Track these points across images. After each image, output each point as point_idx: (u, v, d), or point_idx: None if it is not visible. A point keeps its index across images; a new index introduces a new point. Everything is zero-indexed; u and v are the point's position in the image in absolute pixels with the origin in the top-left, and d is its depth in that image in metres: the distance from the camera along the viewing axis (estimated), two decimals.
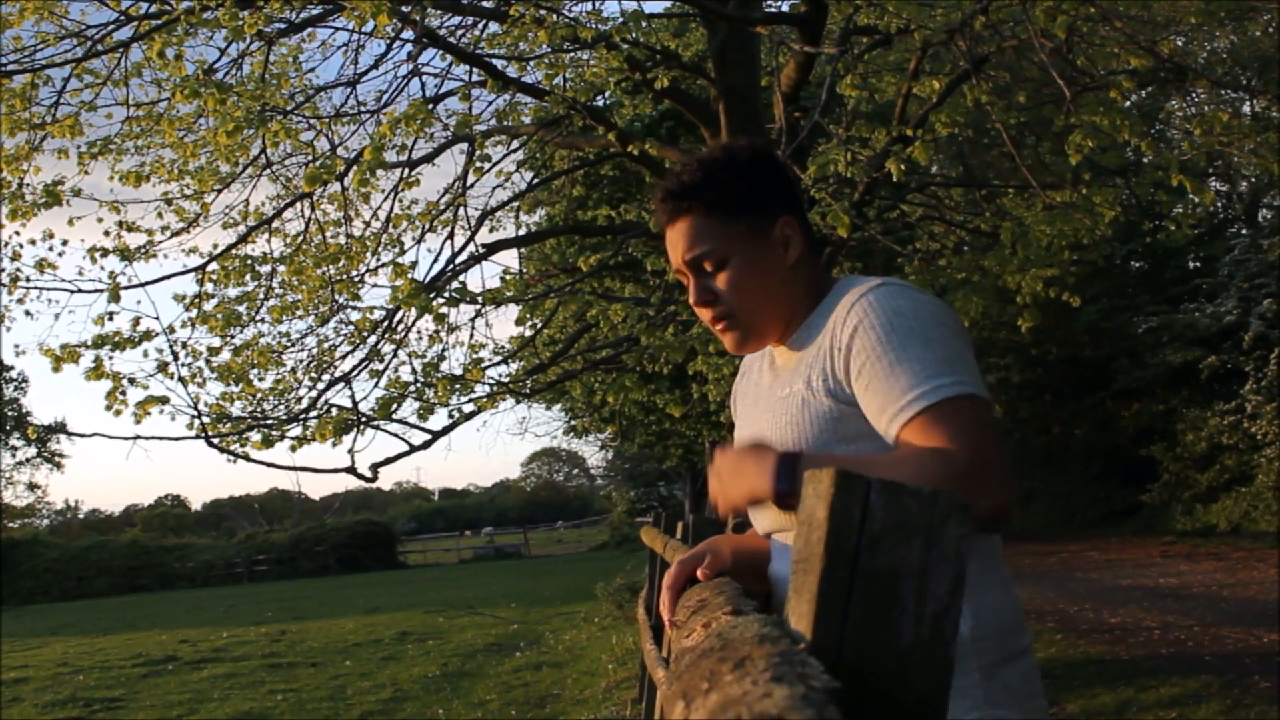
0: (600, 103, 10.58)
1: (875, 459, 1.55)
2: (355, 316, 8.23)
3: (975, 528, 1.44)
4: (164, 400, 6.47)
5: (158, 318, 6.79)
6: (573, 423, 28.18)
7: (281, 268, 8.30)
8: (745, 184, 1.79)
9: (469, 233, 8.29)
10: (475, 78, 8.11)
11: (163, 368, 6.92)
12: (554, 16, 6.52)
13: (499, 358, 9.12)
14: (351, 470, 6.45)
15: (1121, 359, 22.62)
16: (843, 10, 8.03)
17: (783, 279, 1.78)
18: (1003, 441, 1.53)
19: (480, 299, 7.98)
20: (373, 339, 7.99)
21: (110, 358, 6.64)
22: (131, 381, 6.72)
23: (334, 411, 7.13)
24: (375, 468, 6.76)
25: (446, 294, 7.68)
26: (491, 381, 8.01)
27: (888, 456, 1.54)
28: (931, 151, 8.00)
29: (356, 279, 8.12)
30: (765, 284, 1.77)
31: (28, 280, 7.36)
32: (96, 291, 7.01)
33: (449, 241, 8.28)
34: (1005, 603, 1.65)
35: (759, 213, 1.78)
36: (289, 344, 8.62)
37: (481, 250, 8.45)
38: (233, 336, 8.15)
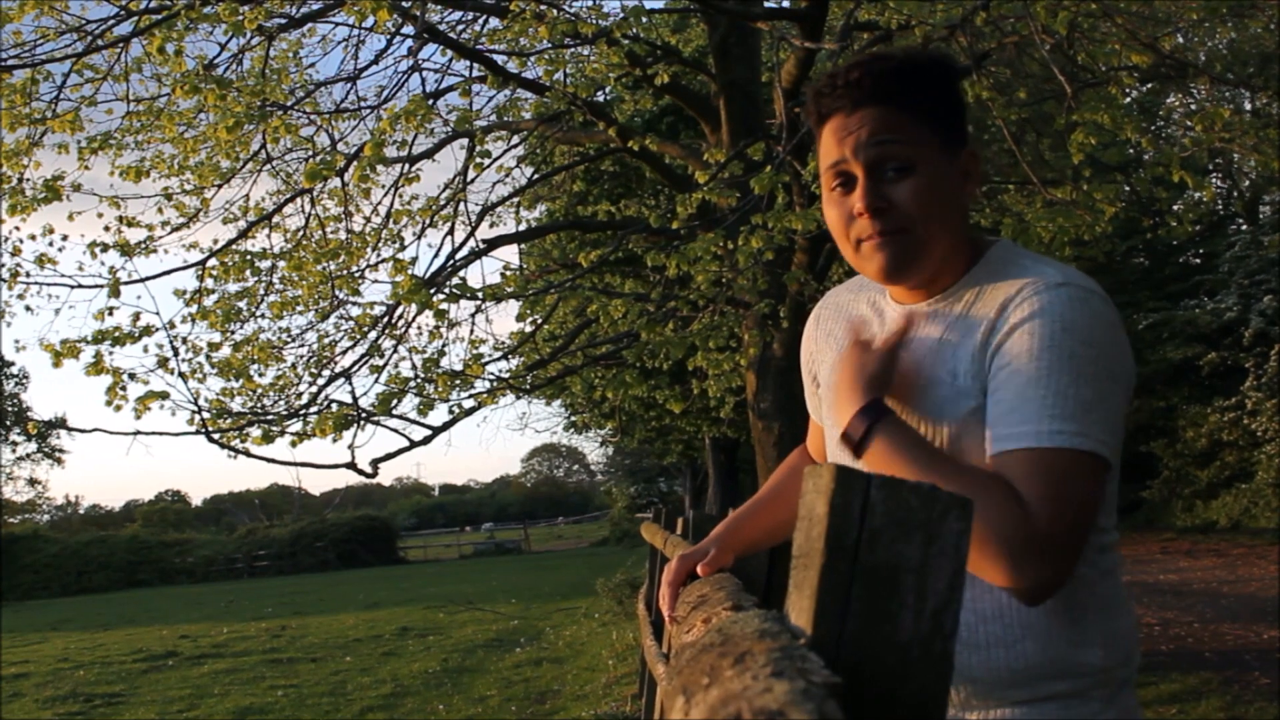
0: (600, 98, 10.58)
1: (960, 466, 1.39)
2: (355, 312, 8.24)
3: (1016, 595, 1.36)
4: (164, 396, 6.46)
5: (158, 313, 6.78)
6: (573, 418, 28.20)
7: (282, 263, 8.31)
8: (952, 97, 1.57)
9: (469, 228, 8.29)
10: (476, 73, 8.11)
11: (163, 363, 6.93)
12: (554, 12, 6.52)
13: (499, 353, 9.11)
14: (352, 466, 6.45)
15: None
16: (844, 6, 8.03)
17: (957, 214, 1.55)
18: (1092, 514, 1.40)
19: (480, 294, 7.97)
20: (373, 334, 7.99)
21: (110, 353, 6.65)
22: (132, 377, 6.73)
23: (334, 407, 7.13)
24: (375, 463, 6.76)
25: (447, 289, 7.68)
26: (492, 377, 8.02)
27: (974, 472, 1.38)
28: None
29: (357, 274, 8.12)
30: (946, 211, 1.53)
31: (28, 275, 7.38)
32: (97, 287, 7.02)
33: (449, 237, 8.28)
34: (1133, 625, 1.55)
35: (954, 132, 1.56)
36: (289, 339, 8.63)
37: (482, 246, 8.45)
38: (233, 332, 8.16)
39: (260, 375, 8.16)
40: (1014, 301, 1.46)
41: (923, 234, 1.51)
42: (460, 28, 8.70)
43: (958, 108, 1.58)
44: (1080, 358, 1.39)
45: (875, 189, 1.50)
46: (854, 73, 1.52)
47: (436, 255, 9.86)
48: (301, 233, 8.65)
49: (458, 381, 7.43)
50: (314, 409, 7.42)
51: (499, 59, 7.97)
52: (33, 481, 57.79)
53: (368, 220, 8.66)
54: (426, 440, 7.27)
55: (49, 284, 7.36)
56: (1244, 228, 22.87)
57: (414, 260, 7.41)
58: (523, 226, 12.54)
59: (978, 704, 1.47)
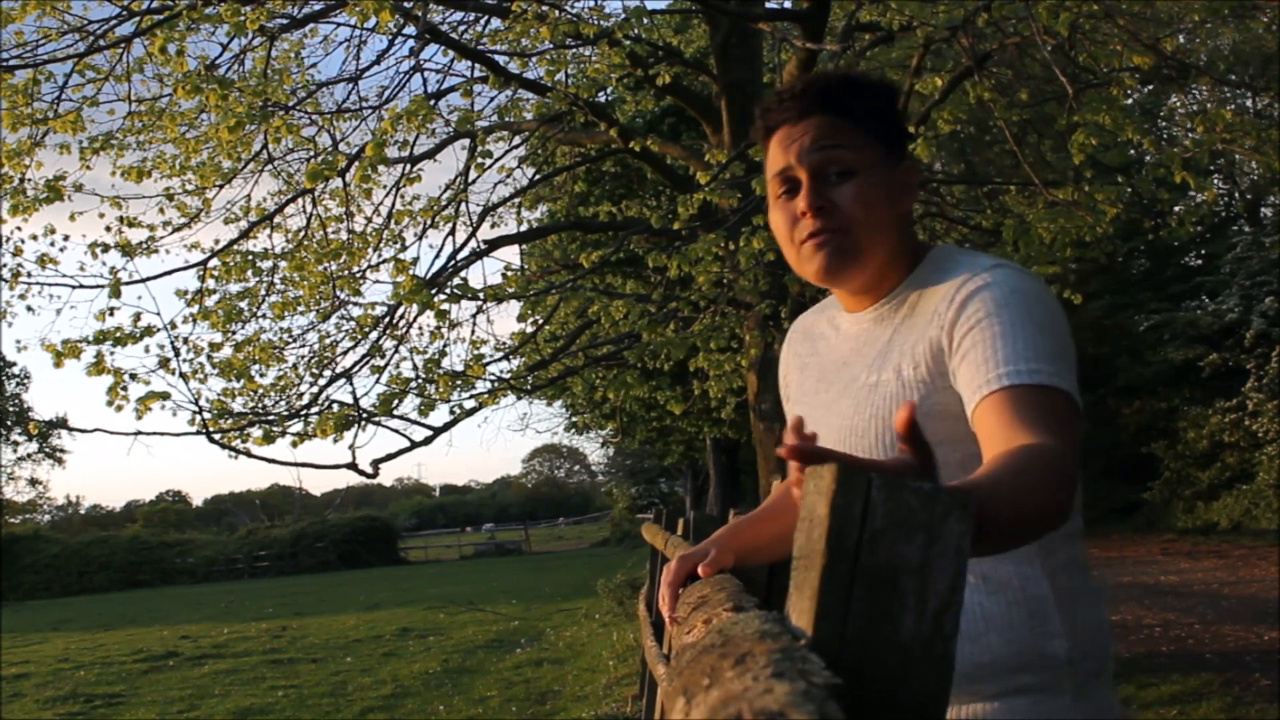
0: (602, 99, 10.58)
1: (1000, 479, 1.20)
2: (357, 312, 8.24)
3: (1048, 527, 1.25)
4: (165, 396, 6.47)
5: (159, 313, 6.80)
6: (574, 419, 28.19)
7: (283, 263, 8.31)
8: (893, 112, 1.65)
9: (470, 229, 8.29)
10: (477, 73, 8.11)
11: (164, 363, 6.93)
12: (556, 12, 6.53)
13: (500, 354, 9.12)
14: (353, 466, 6.45)
15: (1123, 356, 22.61)
16: (845, 7, 8.03)
17: (893, 222, 1.61)
18: (1078, 441, 1.39)
19: (482, 295, 7.98)
20: (374, 335, 8.00)
21: (112, 353, 6.65)
22: (133, 377, 6.73)
23: (335, 407, 7.14)
24: (376, 464, 6.77)
25: (448, 290, 7.68)
26: (493, 377, 8.02)
27: (1002, 470, 1.22)
28: (934, 148, 8.00)
29: (358, 275, 8.13)
30: (883, 216, 1.59)
31: (29, 275, 7.38)
32: (98, 287, 7.02)
33: (450, 238, 8.29)
34: (1101, 617, 1.56)
35: (894, 146, 1.63)
36: (290, 340, 8.64)
37: (483, 246, 8.46)
38: (234, 332, 8.16)
39: (261, 375, 8.16)
40: (958, 290, 1.51)
41: (861, 235, 1.57)
42: (462, 28, 8.71)
43: (898, 125, 1.66)
44: (1036, 314, 1.44)
45: (818, 190, 1.57)
46: (800, 86, 1.61)
47: (438, 256, 9.88)
48: (303, 233, 8.65)
49: (459, 382, 7.44)
50: (315, 409, 7.43)
51: (500, 59, 7.98)
52: (34, 481, 57.81)
53: (369, 220, 8.66)
54: (427, 441, 7.28)
55: (50, 284, 7.38)
56: (1245, 229, 22.86)
57: (415, 261, 7.42)
58: (524, 227, 12.54)
59: (950, 700, 1.47)
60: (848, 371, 1.67)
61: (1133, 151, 11.70)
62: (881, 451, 1.56)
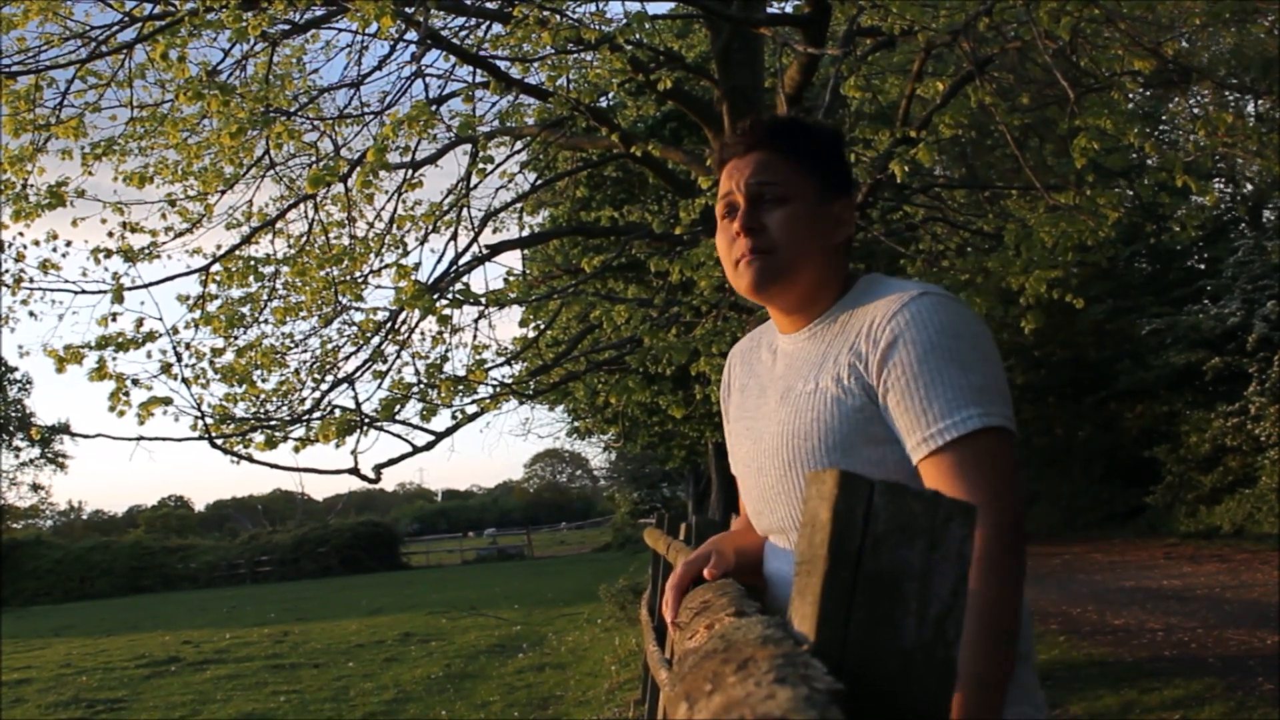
0: (603, 104, 10.59)
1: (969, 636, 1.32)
2: (359, 318, 8.24)
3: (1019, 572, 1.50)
4: (167, 401, 6.47)
5: (161, 319, 6.80)
6: (576, 424, 28.18)
7: (285, 269, 8.31)
8: (830, 154, 1.83)
9: (472, 234, 8.30)
10: (479, 79, 8.12)
11: (166, 369, 6.93)
12: (557, 18, 6.53)
13: (502, 359, 9.12)
14: (355, 471, 6.45)
15: (1125, 360, 22.61)
16: (846, 12, 8.03)
17: (824, 252, 1.78)
18: (1019, 472, 1.57)
19: (483, 300, 7.98)
20: (376, 340, 8.00)
21: (114, 359, 6.66)
22: (135, 382, 6.73)
23: (337, 412, 7.14)
24: (378, 469, 6.77)
25: (450, 295, 7.69)
26: (494, 383, 8.02)
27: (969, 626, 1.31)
28: (935, 153, 8.01)
29: (360, 280, 8.13)
30: (812, 242, 1.76)
31: (31, 281, 7.37)
32: (100, 292, 7.02)
33: (452, 243, 8.30)
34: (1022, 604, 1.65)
35: (829, 183, 1.80)
36: (292, 345, 8.63)
37: (485, 251, 8.46)
38: (236, 338, 8.16)
39: (263, 381, 8.16)
40: (884, 319, 1.64)
41: (787, 257, 1.75)
42: (463, 34, 8.71)
43: (838, 166, 1.84)
44: (960, 352, 1.58)
45: (752, 213, 1.77)
46: (749, 124, 1.82)
47: (440, 261, 9.89)
48: (305, 238, 8.66)
49: (461, 387, 7.44)
50: (317, 414, 7.43)
51: (502, 65, 7.98)
52: (36, 487, 57.82)
53: (371, 226, 8.67)
54: (429, 446, 7.28)
55: (52, 289, 7.37)
56: (1248, 233, 22.86)
57: (417, 266, 7.41)
58: (526, 232, 12.55)
59: None
60: (784, 383, 1.81)
61: (1134, 155, 11.70)
62: (824, 452, 1.67)
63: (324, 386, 8.08)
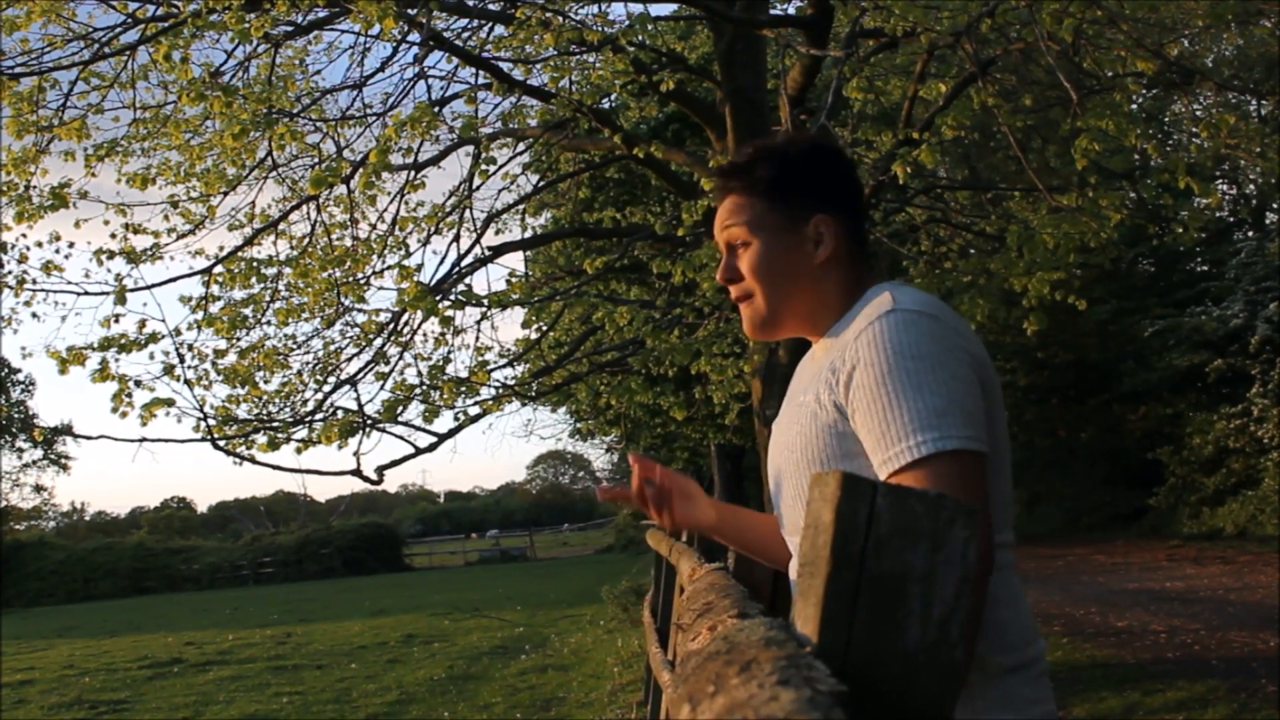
0: (606, 105, 10.59)
1: None
2: (361, 319, 8.24)
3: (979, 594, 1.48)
4: (170, 403, 6.47)
5: (164, 320, 6.77)
6: (578, 425, 28.14)
7: (287, 270, 8.31)
8: (789, 176, 1.80)
9: (475, 235, 8.30)
10: (481, 80, 8.12)
11: (169, 370, 6.93)
12: (560, 19, 6.53)
13: (504, 360, 9.12)
14: (357, 473, 6.45)
15: (1128, 362, 22.60)
16: (849, 13, 8.02)
17: (808, 275, 1.78)
18: (982, 493, 1.52)
19: (486, 301, 7.98)
20: (378, 341, 7.99)
21: (116, 360, 6.66)
22: (138, 384, 6.73)
23: (340, 414, 7.14)
24: (381, 470, 6.77)
25: (452, 296, 7.69)
26: (497, 384, 8.02)
27: None
28: (937, 154, 8.00)
29: (362, 281, 8.13)
30: (785, 275, 1.78)
31: (34, 282, 7.38)
32: (103, 294, 7.02)
33: (455, 244, 8.29)
34: (1015, 617, 1.64)
35: (795, 205, 1.79)
36: (295, 346, 8.62)
37: (487, 253, 8.45)
38: (239, 339, 8.16)
39: (266, 382, 8.16)
40: (854, 333, 1.64)
41: (764, 296, 1.80)
42: (466, 35, 8.71)
43: (809, 180, 1.81)
44: (918, 374, 1.54)
45: (726, 264, 1.84)
46: (717, 168, 1.88)
47: (442, 262, 9.87)
48: (307, 240, 8.66)
49: (463, 388, 7.44)
50: (320, 416, 7.42)
51: (505, 66, 7.98)
52: (39, 488, 57.91)
53: (373, 227, 8.67)
54: (432, 447, 7.27)
55: (55, 291, 7.37)
56: (1251, 235, 22.85)
57: (419, 267, 7.40)
58: (528, 233, 12.56)
59: None
60: (793, 389, 1.87)
61: (1137, 157, 11.69)
62: (805, 465, 1.69)
63: (326, 388, 8.08)
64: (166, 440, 6.53)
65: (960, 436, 1.51)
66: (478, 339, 8.92)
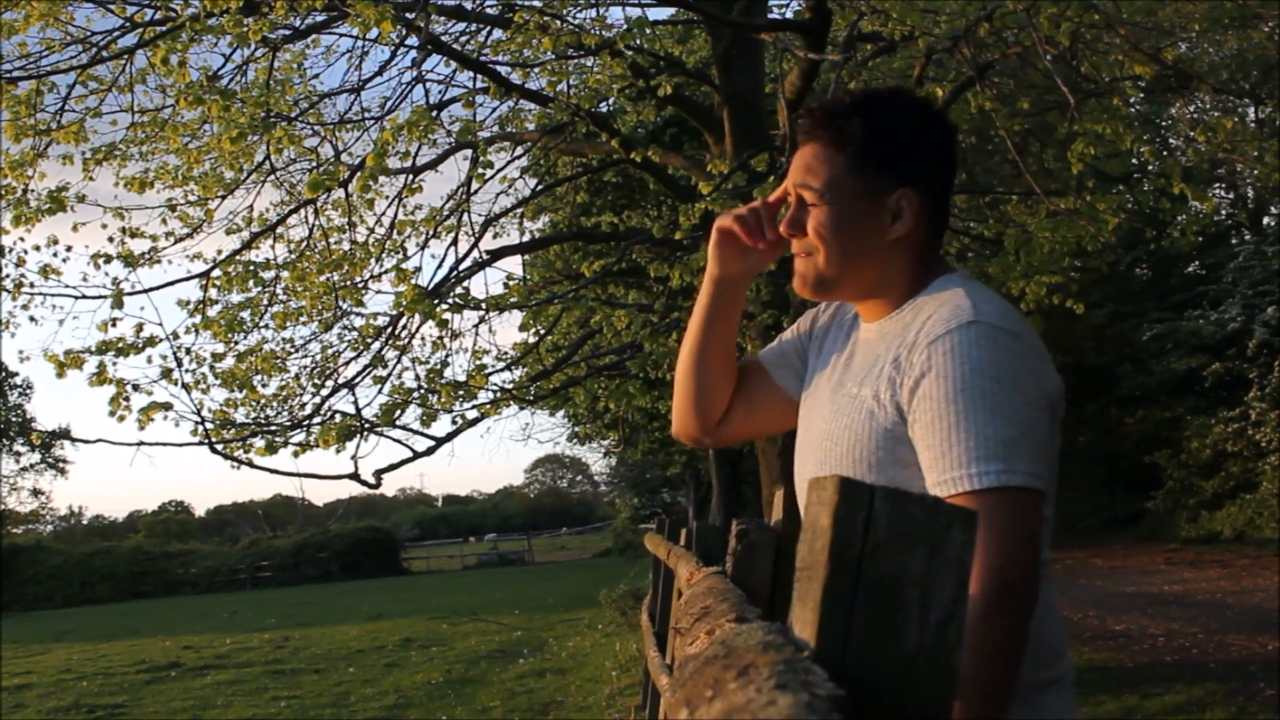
0: (604, 109, 10.59)
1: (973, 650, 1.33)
2: (359, 323, 8.23)
3: (1023, 621, 1.42)
4: (167, 406, 6.46)
5: (161, 324, 6.76)
6: (576, 429, 28.18)
7: (285, 274, 8.31)
8: (883, 139, 1.65)
9: (472, 239, 8.29)
10: (479, 84, 8.12)
11: (166, 374, 6.92)
12: (558, 23, 6.53)
13: (502, 364, 9.12)
14: (355, 477, 6.44)
15: (1125, 366, 22.61)
16: (847, 17, 8.04)
17: (879, 250, 1.66)
18: (1039, 538, 1.47)
19: (484, 305, 7.98)
20: (376, 345, 7.99)
21: (114, 364, 6.64)
22: (135, 387, 6.72)
23: (337, 418, 7.13)
24: (379, 474, 6.76)
25: (450, 300, 7.69)
26: (495, 388, 8.01)
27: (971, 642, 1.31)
28: None
29: (360, 285, 8.12)
30: (853, 245, 1.65)
31: (32, 286, 7.38)
32: (100, 297, 7.01)
33: (452, 248, 8.27)
34: (1045, 628, 1.58)
35: (883, 173, 1.64)
36: (292, 350, 8.62)
37: (485, 257, 8.45)
38: (236, 343, 8.15)
39: (263, 386, 8.15)
40: (928, 336, 1.54)
41: (827, 260, 1.66)
42: (464, 39, 8.72)
43: (903, 147, 1.66)
44: (992, 396, 1.46)
45: (794, 217, 1.70)
46: (805, 109, 1.72)
47: (440, 266, 9.89)
48: (305, 243, 8.66)
49: (461, 392, 7.43)
50: (317, 420, 7.42)
51: (502, 70, 7.98)
52: (36, 492, 57.77)
53: (371, 231, 8.66)
54: (430, 451, 7.27)
55: (53, 294, 7.37)
56: (1248, 238, 22.88)
57: (417, 271, 7.39)
58: (526, 237, 12.55)
59: None
60: (839, 375, 1.74)
61: (1134, 161, 11.71)
62: (851, 463, 1.61)
63: (324, 392, 8.07)
64: (164, 444, 6.52)
65: (1025, 473, 1.44)
66: (476, 343, 8.94)
